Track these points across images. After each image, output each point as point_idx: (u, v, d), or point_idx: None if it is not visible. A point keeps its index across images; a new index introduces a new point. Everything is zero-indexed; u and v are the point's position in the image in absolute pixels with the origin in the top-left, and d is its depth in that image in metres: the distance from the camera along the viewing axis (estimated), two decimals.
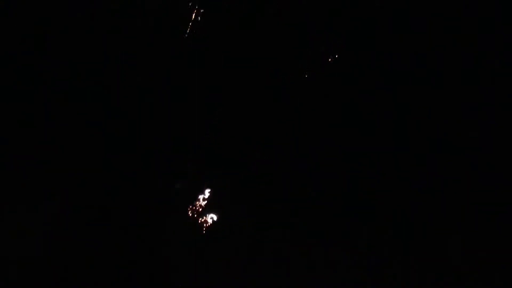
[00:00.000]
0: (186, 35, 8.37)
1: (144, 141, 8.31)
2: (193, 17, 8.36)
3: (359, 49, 8.36)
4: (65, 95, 8.22)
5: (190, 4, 8.33)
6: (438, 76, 8.28)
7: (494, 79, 8.17)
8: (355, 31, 8.35)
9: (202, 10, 8.35)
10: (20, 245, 7.87)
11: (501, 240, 7.90)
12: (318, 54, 8.38)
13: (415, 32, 8.26)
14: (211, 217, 8.23)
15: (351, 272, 8.04)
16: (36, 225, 7.94)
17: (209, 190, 8.31)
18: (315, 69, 8.38)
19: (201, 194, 8.27)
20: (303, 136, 8.39)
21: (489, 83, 8.19)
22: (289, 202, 8.30)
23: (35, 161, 8.12)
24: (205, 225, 8.22)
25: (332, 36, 8.36)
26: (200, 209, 8.24)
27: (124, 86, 8.30)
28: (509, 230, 7.91)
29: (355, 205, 8.22)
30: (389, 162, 8.25)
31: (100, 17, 8.22)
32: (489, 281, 7.78)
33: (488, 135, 8.12)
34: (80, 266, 7.89)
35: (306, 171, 8.34)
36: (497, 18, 8.11)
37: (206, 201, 8.26)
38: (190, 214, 8.21)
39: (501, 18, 8.10)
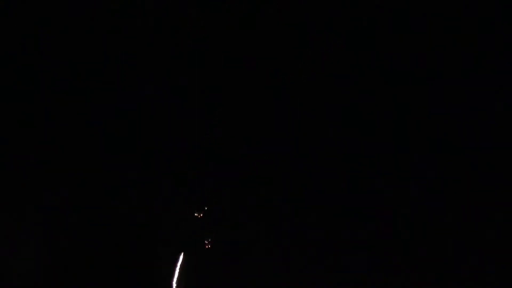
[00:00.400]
0: (186, 35, 8.37)
1: (144, 141, 8.31)
2: (193, 17, 8.36)
3: (359, 49, 8.35)
4: (65, 95, 8.22)
5: (190, 4, 8.33)
6: (438, 76, 8.28)
7: (494, 79, 8.16)
8: (355, 31, 8.34)
9: (202, 10, 8.35)
10: (20, 244, 7.88)
11: (501, 240, 7.90)
12: (318, 54, 8.37)
13: (415, 32, 8.25)
14: (211, 217, 8.23)
15: (351, 272, 8.04)
16: (36, 225, 7.95)
17: (209, 190, 8.30)
18: (315, 69, 8.37)
19: (201, 194, 8.27)
20: (303, 136, 8.38)
21: (489, 83, 8.18)
22: (289, 202, 8.29)
23: (35, 161, 8.12)
24: (204, 225, 8.21)
25: (332, 36, 8.35)
26: (200, 209, 8.24)
27: (124, 86, 8.30)
28: (509, 230, 7.91)
29: (355, 205, 8.22)
30: (389, 162, 8.25)
31: (100, 17, 8.22)
32: (489, 281, 7.78)
33: (488, 135, 8.11)
34: (80, 266, 7.89)
35: (306, 171, 8.33)
36: (497, 18, 8.11)
37: (205, 201, 8.26)
38: (190, 214, 8.20)
39: (501, 18, 8.10)
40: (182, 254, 8.03)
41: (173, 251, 8.03)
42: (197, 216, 8.20)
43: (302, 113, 8.42)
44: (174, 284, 7.94)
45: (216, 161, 8.37)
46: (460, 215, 8.05)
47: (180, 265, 8.00)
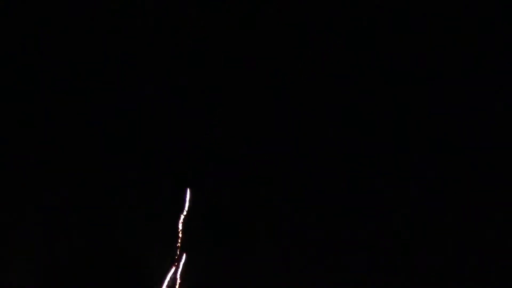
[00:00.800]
0: (186, 35, 8.37)
1: (144, 141, 8.32)
2: (193, 17, 8.36)
3: (359, 49, 8.35)
4: (65, 95, 8.23)
5: (190, 4, 8.34)
6: (438, 76, 8.28)
7: (494, 79, 8.17)
8: (355, 31, 8.35)
9: (202, 10, 8.35)
10: (19, 243, 7.89)
11: (501, 240, 7.91)
12: (318, 54, 8.38)
13: (415, 32, 8.26)
14: (210, 217, 8.23)
15: (351, 272, 8.04)
16: (35, 224, 7.96)
17: (209, 189, 8.30)
18: (315, 69, 8.37)
19: (201, 194, 8.27)
20: (303, 136, 8.39)
21: (489, 83, 8.19)
22: (289, 202, 8.30)
23: (35, 161, 8.13)
24: (204, 225, 8.22)
25: (332, 36, 8.36)
26: (200, 209, 8.24)
27: (124, 86, 8.31)
28: (509, 230, 7.92)
29: (355, 205, 8.22)
30: (389, 162, 8.25)
31: (100, 17, 8.23)
32: (489, 281, 7.78)
33: (488, 135, 8.12)
34: (80, 265, 7.91)
35: (306, 171, 8.34)
36: (497, 18, 8.12)
37: (205, 201, 8.26)
38: (190, 214, 8.20)
39: (501, 18, 8.11)
40: (182, 253, 8.03)
41: (172, 251, 8.03)
42: (197, 215, 8.20)
43: (302, 113, 8.42)
44: (174, 283, 7.95)
45: (216, 161, 8.37)
46: (460, 215, 8.05)
47: (180, 265, 8.01)
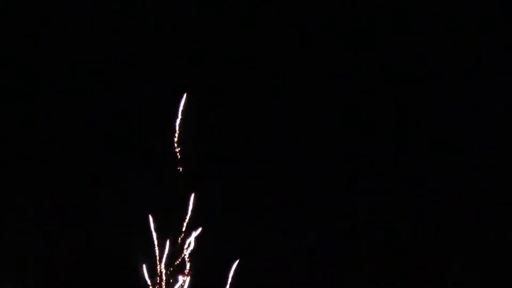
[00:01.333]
0: (186, 35, 8.37)
1: (143, 141, 8.31)
2: (193, 17, 8.36)
3: (359, 49, 8.36)
4: (65, 95, 8.23)
5: (190, 4, 8.34)
6: (438, 76, 8.29)
7: (494, 79, 8.17)
8: (355, 31, 8.35)
9: (202, 10, 8.35)
10: (19, 243, 7.91)
11: (501, 242, 7.92)
12: (318, 54, 8.38)
13: (415, 32, 8.26)
14: (210, 217, 8.23)
15: (351, 272, 8.04)
16: (34, 223, 7.97)
17: (208, 190, 8.30)
18: (315, 69, 8.38)
19: (200, 194, 8.27)
20: (303, 136, 8.39)
21: (489, 83, 8.19)
22: (289, 202, 8.30)
23: (35, 161, 8.13)
24: (204, 225, 8.22)
25: (332, 36, 8.36)
26: (199, 209, 8.23)
27: (124, 86, 8.31)
28: (509, 230, 7.93)
29: (355, 204, 8.22)
30: (389, 162, 8.25)
31: (100, 17, 8.23)
32: (490, 281, 7.79)
33: (488, 135, 8.13)
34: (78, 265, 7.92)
35: (306, 171, 8.34)
36: (497, 18, 8.12)
37: (204, 201, 8.26)
38: (190, 213, 8.20)
39: (501, 18, 8.11)
40: (181, 253, 8.03)
41: (171, 251, 8.03)
42: (196, 215, 8.20)
43: (302, 113, 8.42)
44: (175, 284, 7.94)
45: (216, 161, 8.37)
46: (460, 215, 8.06)
47: (180, 265, 8.01)
